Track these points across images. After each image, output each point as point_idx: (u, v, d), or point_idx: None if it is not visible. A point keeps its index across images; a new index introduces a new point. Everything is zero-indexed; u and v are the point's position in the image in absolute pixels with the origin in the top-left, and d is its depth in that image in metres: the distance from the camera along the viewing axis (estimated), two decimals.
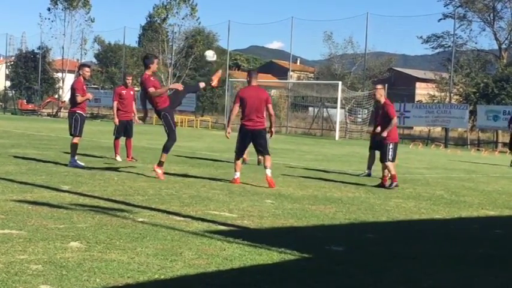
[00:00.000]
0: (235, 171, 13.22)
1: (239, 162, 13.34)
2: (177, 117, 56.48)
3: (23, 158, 15.78)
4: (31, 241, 6.69)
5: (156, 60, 13.80)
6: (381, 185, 14.05)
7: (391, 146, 14.15)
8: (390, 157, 14.10)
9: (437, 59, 58.89)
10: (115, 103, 17.06)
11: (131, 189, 11.19)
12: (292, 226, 8.74)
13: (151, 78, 13.30)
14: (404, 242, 8.28)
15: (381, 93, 14.93)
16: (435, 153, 33.54)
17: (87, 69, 15.49)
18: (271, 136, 13.66)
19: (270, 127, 13.39)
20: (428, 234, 9.11)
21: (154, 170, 13.19)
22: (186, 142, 28.57)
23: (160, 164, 13.22)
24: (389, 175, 14.06)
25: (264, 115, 13.17)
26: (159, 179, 12.91)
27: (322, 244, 7.65)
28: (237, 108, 13.16)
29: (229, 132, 13.51)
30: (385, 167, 14.17)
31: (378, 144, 15.51)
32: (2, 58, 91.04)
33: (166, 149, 13.38)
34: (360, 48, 59.65)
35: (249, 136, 13.14)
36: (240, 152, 13.37)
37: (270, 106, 13.13)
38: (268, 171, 12.92)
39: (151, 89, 13.01)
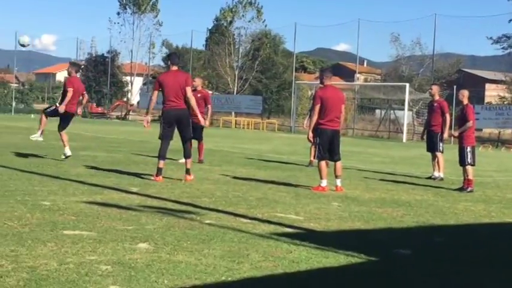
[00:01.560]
0: (322, 178, 12.56)
1: (324, 166, 12.66)
2: (244, 120, 56.82)
3: (93, 160, 16.04)
4: (101, 242, 6.79)
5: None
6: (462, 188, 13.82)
7: (468, 150, 13.91)
8: (469, 160, 13.85)
9: (508, 59, 57.82)
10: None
11: (198, 191, 11.27)
12: (359, 229, 8.69)
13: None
14: (473, 246, 8.15)
15: (464, 95, 14.58)
16: (505, 156, 32.92)
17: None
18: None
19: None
20: (498, 238, 8.95)
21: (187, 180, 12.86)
22: (253, 145, 28.66)
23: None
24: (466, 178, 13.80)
25: (339, 117, 12.82)
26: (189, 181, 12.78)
27: (389, 247, 7.59)
28: (317, 109, 12.63)
29: (310, 136, 13.03)
30: (465, 170, 13.90)
31: (430, 145, 16.66)
32: None
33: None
34: (427, 49, 58.91)
35: (330, 137, 12.66)
36: (321, 155, 12.70)
37: (343, 107, 12.87)
38: (339, 182, 12.67)
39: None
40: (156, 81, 13.17)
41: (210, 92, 71.51)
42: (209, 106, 17.33)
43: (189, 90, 12.88)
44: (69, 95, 15.23)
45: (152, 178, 12.71)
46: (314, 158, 14.42)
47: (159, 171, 12.77)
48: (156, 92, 12.88)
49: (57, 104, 15.69)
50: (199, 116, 13.63)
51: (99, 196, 10.08)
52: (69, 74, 15.92)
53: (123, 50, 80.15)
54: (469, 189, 13.61)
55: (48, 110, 16.21)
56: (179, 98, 12.79)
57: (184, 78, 12.96)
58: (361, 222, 9.11)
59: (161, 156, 12.88)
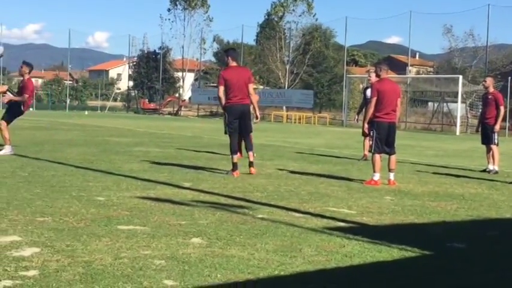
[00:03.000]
0: (375, 171, 12.48)
1: (378, 159, 12.54)
2: (295, 114, 56.78)
3: (146, 155, 16.18)
4: (154, 237, 6.85)
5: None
6: None
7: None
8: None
9: None
10: None
11: (250, 186, 11.30)
12: (413, 223, 8.62)
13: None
14: None
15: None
16: None
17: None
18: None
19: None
20: None
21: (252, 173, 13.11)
22: (304, 139, 28.62)
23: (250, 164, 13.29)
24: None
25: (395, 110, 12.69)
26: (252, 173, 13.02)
27: (443, 241, 7.52)
28: (374, 101, 12.56)
29: (366, 127, 13.05)
30: None
31: (484, 138, 16.72)
32: (125, 59, 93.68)
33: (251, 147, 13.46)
34: (481, 40, 58.05)
35: (386, 129, 12.58)
36: (379, 148, 12.58)
37: (399, 100, 12.80)
38: (392, 175, 12.56)
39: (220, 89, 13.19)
40: (220, 77, 13.30)
41: (261, 86, 71.74)
42: None
43: (251, 86, 13.21)
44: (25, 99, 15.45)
45: (230, 173, 12.88)
46: (368, 151, 14.33)
47: (234, 166, 12.99)
48: (222, 88, 13.04)
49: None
50: (257, 112, 13.80)
51: (152, 191, 10.17)
52: (22, 74, 15.88)
53: (175, 46, 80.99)
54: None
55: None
56: (243, 93, 13.02)
57: (248, 75, 13.31)
58: (415, 216, 9.04)
59: (233, 151, 13.18)
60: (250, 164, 13.22)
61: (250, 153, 13.30)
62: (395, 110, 12.65)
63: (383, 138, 12.56)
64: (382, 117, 12.51)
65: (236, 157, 13.14)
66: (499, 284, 5.84)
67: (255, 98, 13.41)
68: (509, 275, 6.16)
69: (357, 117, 19.04)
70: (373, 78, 15.78)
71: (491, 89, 16.60)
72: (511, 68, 58.96)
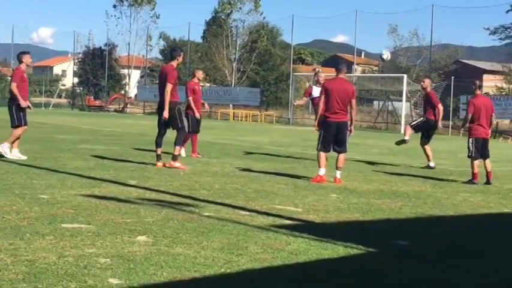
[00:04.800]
0: (319, 167, 12.60)
1: (323, 155, 12.62)
2: (242, 112, 56.82)
3: (91, 153, 16.02)
4: (99, 235, 6.80)
5: (182, 54, 14.04)
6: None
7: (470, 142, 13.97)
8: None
9: (506, 50, 57.77)
10: (190, 98, 16.61)
11: (197, 184, 11.28)
12: (358, 220, 8.69)
13: (175, 71, 13.69)
14: (472, 237, 8.17)
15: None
16: (503, 147, 32.92)
17: (28, 55, 14.97)
18: (350, 133, 13.21)
19: (350, 124, 12.92)
20: (496, 228, 8.97)
21: (173, 166, 13.38)
22: (251, 137, 28.66)
23: (173, 158, 13.63)
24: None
25: (347, 109, 12.63)
26: (181, 169, 13.17)
27: (388, 239, 7.60)
28: (322, 99, 12.67)
29: (317, 127, 13.08)
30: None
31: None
32: (70, 55, 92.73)
33: (177, 141, 13.77)
34: (425, 40, 58.84)
35: (334, 129, 12.58)
36: (324, 147, 12.66)
37: (354, 101, 12.67)
38: (339, 173, 12.61)
39: (170, 86, 13.46)
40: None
41: (208, 84, 71.65)
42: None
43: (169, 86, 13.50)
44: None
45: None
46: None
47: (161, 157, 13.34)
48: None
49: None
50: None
51: (98, 189, 10.08)
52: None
53: (121, 43, 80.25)
54: (474, 181, 13.55)
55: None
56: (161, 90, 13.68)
57: (165, 73, 13.70)
58: (360, 214, 9.12)
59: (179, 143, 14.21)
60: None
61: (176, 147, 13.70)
62: (344, 110, 12.56)
63: (330, 138, 12.62)
64: (329, 116, 12.58)
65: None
66: (442, 281, 5.92)
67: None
68: (452, 271, 6.26)
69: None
70: (322, 77, 16.12)
71: (428, 89, 17.05)
72: (455, 68, 59.88)
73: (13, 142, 14.38)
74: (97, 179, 11.33)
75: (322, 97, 12.66)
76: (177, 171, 13.00)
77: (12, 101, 14.54)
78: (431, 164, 16.59)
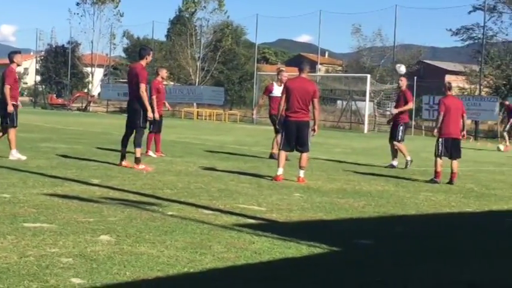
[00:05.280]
0: (278, 166, 12.66)
1: (282, 155, 12.69)
2: (206, 111, 56.73)
3: (54, 152, 15.89)
4: (62, 234, 6.75)
5: (151, 53, 13.88)
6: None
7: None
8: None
9: (467, 51, 58.22)
10: (154, 97, 16.22)
11: (160, 183, 11.24)
12: (321, 219, 8.73)
13: (145, 70, 13.59)
14: (434, 236, 8.25)
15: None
16: (465, 146, 33.22)
17: (19, 55, 14.81)
18: (314, 133, 12.94)
19: (314, 124, 12.85)
20: (458, 227, 9.06)
21: (137, 169, 13.03)
22: (215, 136, 28.64)
23: (136, 160, 13.30)
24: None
25: (309, 108, 12.62)
26: (146, 171, 12.92)
27: (351, 238, 7.64)
28: (283, 98, 12.72)
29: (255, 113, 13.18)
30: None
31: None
32: (32, 53, 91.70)
33: (136, 143, 13.41)
34: (388, 40, 59.22)
35: (294, 128, 12.59)
36: (287, 146, 12.72)
37: (316, 100, 12.65)
38: (302, 173, 12.61)
39: (144, 86, 13.33)
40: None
41: (172, 83, 71.42)
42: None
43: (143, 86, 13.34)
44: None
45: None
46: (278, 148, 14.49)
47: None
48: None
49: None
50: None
51: (60, 188, 10.00)
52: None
53: (84, 41, 79.42)
54: (436, 179, 13.65)
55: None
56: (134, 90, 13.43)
57: (135, 73, 13.49)
58: (323, 213, 9.16)
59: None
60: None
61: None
62: (305, 109, 12.58)
63: (290, 137, 12.65)
64: (290, 115, 12.62)
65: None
66: (404, 280, 5.97)
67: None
68: (415, 269, 6.31)
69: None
70: (285, 76, 16.34)
71: (404, 87, 17.58)
72: (418, 68, 60.34)
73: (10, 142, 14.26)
74: (59, 178, 11.24)
75: (283, 96, 12.72)
76: (139, 170, 12.93)
77: (4, 103, 14.24)
78: (395, 162, 16.74)
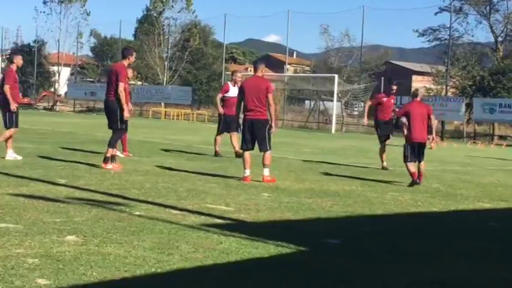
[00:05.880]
0: (244, 168, 12.61)
1: (247, 157, 12.60)
2: (174, 111, 56.58)
3: (19, 151, 15.73)
4: (27, 235, 6.68)
5: (134, 54, 13.88)
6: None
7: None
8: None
9: (434, 52, 58.68)
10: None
11: (127, 183, 11.18)
12: (289, 219, 8.74)
13: (126, 70, 13.52)
14: (401, 235, 8.29)
15: None
16: (429, 146, 33.49)
17: (20, 57, 14.95)
18: (271, 130, 12.67)
19: (271, 120, 12.71)
20: (425, 227, 9.12)
21: (105, 168, 12.95)
22: (182, 135, 28.56)
23: (105, 160, 13.19)
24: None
25: (265, 107, 12.55)
26: (115, 170, 12.87)
27: (319, 237, 7.66)
28: (239, 99, 12.79)
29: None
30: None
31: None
32: None
33: (111, 143, 13.33)
34: (356, 41, 59.39)
35: (250, 127, 12.60)
36: (245, 145, 12.71)
37: (270, 96, 12.55)
38: (266, 171, 12.54)
39: (123, 85, 13.17)
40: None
41: (139, 82, 71.17)
42: None
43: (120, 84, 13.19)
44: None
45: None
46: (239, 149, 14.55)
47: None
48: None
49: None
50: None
51: (26, 188, 9.91)
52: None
53: (50, 40, 78.75)
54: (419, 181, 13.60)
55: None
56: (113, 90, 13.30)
57: (115, 71, 13.36)
58: (291, 213, 9.17)
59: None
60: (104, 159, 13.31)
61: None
62: (260, 107, 12.51)
63: (247, 136, 12.67)
64: (246, 114, 12.66)
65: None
66: (372, 279, 5.99)
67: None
68: (382, 269, 6.34)
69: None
70: (239, 77, 17.39)
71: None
72: (385, 68, 60.69)
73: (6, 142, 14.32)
74: (25, 177, 11.13)
75: (239, 97, 12.87)
76: (106, 170, 12.86)
77: (5, 103, 14.33)
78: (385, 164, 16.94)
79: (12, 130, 14.39)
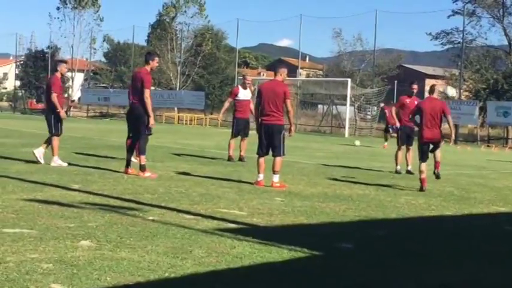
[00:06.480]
0: (257, 172, 12.57)
1: (261, 161, 12.55)
2: (187, 116, 56.64)
3: (33, 157, 15.79)
4: (42, 240, 6.71)
5: (156, 59, 13.65)
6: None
7: None
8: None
9: (447, 55, 58.51)
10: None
11: (141, 188, 11.20)
12: (302, 224, 8.74)
13: (150, 75, 13.37)
14: (414, 239, 8.27)
15: None
16: (445, 150, 33.30)
17: (64, 65, 15.34)
18: (289, 134, 12.71)
19: (290, 125, 12.75)
20: (438, 231, 9.10)
21: (144, 177, 12.87)
22: (196, 140, 28.61)
23: (142, 168, 13.15)
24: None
25: (283, 111, 12.43)
26: (152, 177, 12.81)
27: (332, 242, 7.65)
28: (257, 102, 12.71)
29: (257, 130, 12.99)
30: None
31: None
32: (11, 58, 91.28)
33: (141, 150, 13.33)
34: (369, 45, 59.45)
35: (266, 132, 12.50)
36: (260, 150, 12.63)
37: (288, 101, 12.45)
38: (276, 177, 12.41)
39: (149, 92, 13.12)
40: None
41: (153, 87, 71.33)
42: None
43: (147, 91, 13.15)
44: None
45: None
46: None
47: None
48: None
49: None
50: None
51: (40, 193, 9.94)
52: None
53: (64, 46, 79.21)
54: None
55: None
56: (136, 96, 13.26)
57: (139, 79, 13.26)
58: (304, 217, 9.17)
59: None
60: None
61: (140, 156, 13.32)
62: (276, 112, 12.40)
63: (263, 141, 12.57)
64: (263, 119, 12.55)
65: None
66: (385, 282, 5.99)
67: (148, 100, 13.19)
68: (394, 273, 6.33)
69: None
70: (249, 80, 17.92)
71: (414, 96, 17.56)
72: (398, 72, 60.63)
73: (51, 148, 14.64)
74: (39, 183, 11.18)
75: (257, 100, 12.79)
76: (120, 175, 12.89)
77: (53, 111, 14.68)
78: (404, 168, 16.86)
79: (58, 138, 14.75)
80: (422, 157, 13.55)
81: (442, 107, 13.58)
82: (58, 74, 14.82)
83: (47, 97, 14.80)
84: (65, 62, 16.12)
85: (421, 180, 13.29)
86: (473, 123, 46.94)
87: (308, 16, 76.93)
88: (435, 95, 13.83)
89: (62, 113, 14.60)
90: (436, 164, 13.62)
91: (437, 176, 13.68)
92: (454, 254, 7.44)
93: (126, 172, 13.24)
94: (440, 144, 13.82)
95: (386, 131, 31.26)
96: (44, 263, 5.82)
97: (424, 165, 13.44)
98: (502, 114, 42.52)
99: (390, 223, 9.35)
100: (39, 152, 14.56)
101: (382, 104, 38.38)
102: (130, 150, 13.61)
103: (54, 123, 14.70)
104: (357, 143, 32.46)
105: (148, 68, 13.39)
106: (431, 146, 13.65)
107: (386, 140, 31.09)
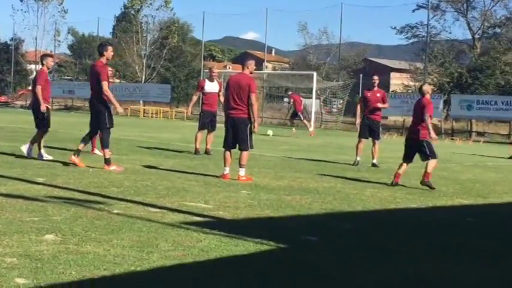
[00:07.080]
0: (224, 165, 12.58)
1: (228, 155, 12.54)
2: (152, 109, 56.43)
3: None
4: (5, 234, 6.64)
5: (110, 48, 13.34)
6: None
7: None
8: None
9: (412, 49, 58.99)
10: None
11: (106, 181, 11.14)
12: (268, 217, 8.75)
13: (106, 67, 13.22)
14: (379, 232, 8.33)
15: None
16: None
17: (50, 59, 15.28)
18: (253, 129, 12.54)
19: (254, 120, 12.54)
20: (403, 223, 9.16)
21: (109, 170, 12.73)
22: (162, 133, 28.51)
23: (107, 161, 12.99)
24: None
25: (247, 105, 12.31)
26: (117, 171, 12.70)
27: (298, 234, 7.67)
28: (225, 95, 12.70)
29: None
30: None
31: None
32: None
33: (104, 144, 13.22)
34: (334, 38, 59.73)
35: (231, 125, 12.47)
36: (224, 144, 12.60)
37: (252, 95, 12.29)
38: (242, 171, 12.39)
39: (107, 84, 12.96)
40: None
41: (118, 80, 70.92)
42: None
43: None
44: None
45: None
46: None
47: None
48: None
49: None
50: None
51: (3, 187, 9.84)
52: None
53: (27, 38, 78.72)
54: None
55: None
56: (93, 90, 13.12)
57: (96, 71, 13.11)
58: (270, 210, 9.18)
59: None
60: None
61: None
62: (242, 105, 12.32)
63: (228, 134, 12.54)
64: (228, 112, 12.51)
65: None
66: (352, 275, 6.02)
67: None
68: (362, 265, 6.36)
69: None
70: (215, 72, 18.00)
71: (376, 87, 17.97)
72: (363, 65, 60.95)
73: (36, 143, 14.53)
74: (3, 176, 11.05)
75: (225, 92, 12.81)
76: (86, 168, 12.79)
77: (37, 104, 14.52)
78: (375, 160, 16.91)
79: (42, 131, 14.61)
80: (403, 157, 13.47)
81: (422, 106, 13.22)
82: (44, 68, 14.70)
83: (32, 91, 14.76)
84: (50, 56, 15.94)
85: (396, 175, 13.15)
86: (437, 117, 47.29)
87: (274, 9, 76.95)
88: (425, 95, 13.36)
89: (43, 107, 14.35)
90: (425, 175, 13.06)
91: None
92: (421, 246, 7.50)
93: (70, 159, 13.12)
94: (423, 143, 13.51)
95: (292, 117, 33.84)
96: (7, 257, 5.76)
97: (402, 164, 13.37)
98: (466, 107, 42.99)
99: (356, 216, 9.39)
100: (42, 152, 14.47)
101: (289, 92, 39.18)
102: (83, 140, 13.39)
103: (40, 117, 14.56)
104: (270, 132, 32.91)
105: (103, 59, 13.19)
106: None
107: (292, 126, 33.60)
